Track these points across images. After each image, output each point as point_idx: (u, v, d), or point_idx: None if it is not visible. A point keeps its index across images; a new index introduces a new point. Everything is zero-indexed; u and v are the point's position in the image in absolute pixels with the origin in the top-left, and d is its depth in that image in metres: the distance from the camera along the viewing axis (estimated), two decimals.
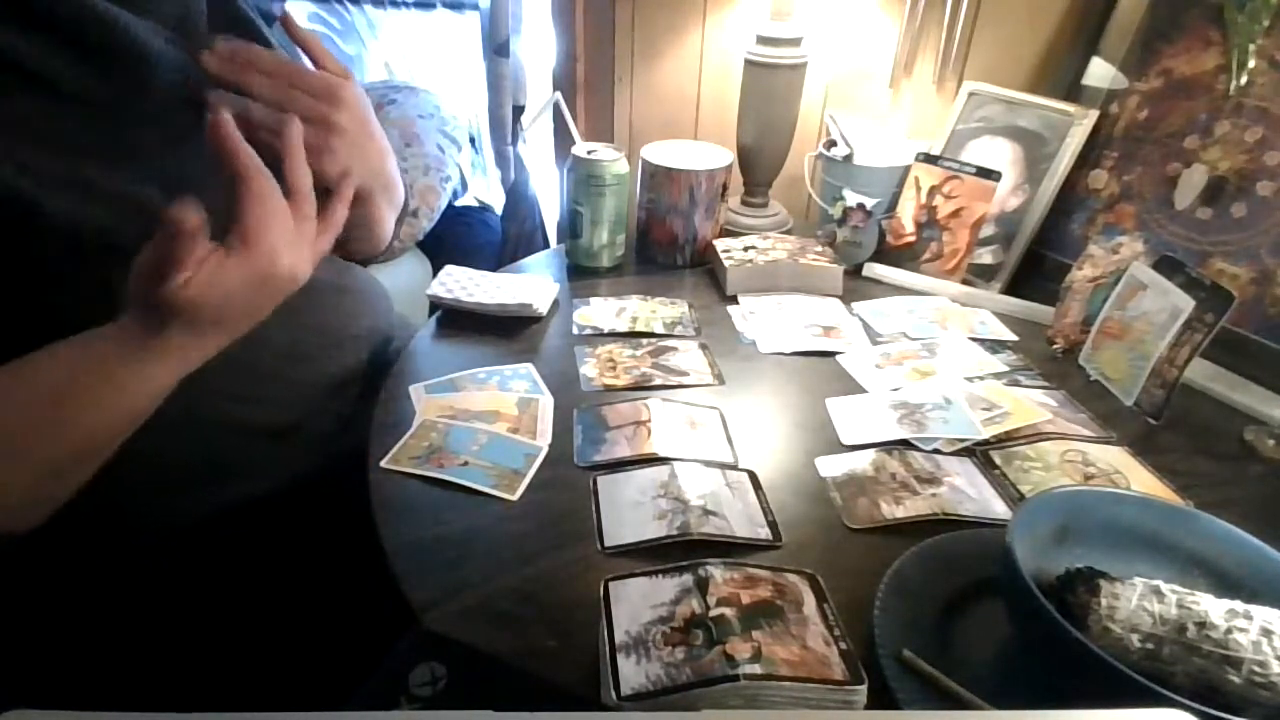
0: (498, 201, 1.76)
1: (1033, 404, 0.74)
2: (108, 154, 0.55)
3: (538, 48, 1.56)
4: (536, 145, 1.66)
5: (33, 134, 0.51)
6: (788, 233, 1.09)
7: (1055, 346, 0.86)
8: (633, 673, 0.45)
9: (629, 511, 0.60)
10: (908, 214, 1.00)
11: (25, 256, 0.52)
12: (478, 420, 0.69)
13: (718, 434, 0.70)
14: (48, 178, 0.51)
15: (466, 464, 0.64)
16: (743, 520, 0.60)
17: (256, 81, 0.57)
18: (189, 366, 0.51)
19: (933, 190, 0.98)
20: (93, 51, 0.53)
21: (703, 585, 0.50)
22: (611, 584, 0.51)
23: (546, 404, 0.73)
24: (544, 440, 0.68)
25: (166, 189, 0.58)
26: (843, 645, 0.47)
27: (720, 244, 0.99)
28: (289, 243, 0.50)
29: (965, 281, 0.98)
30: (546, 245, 1.71)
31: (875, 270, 1.00)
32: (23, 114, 0.52)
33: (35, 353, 0.48)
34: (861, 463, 0.67)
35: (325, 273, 0.73)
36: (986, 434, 0.69)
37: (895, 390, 0.77)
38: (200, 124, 0.63)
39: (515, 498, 0.62)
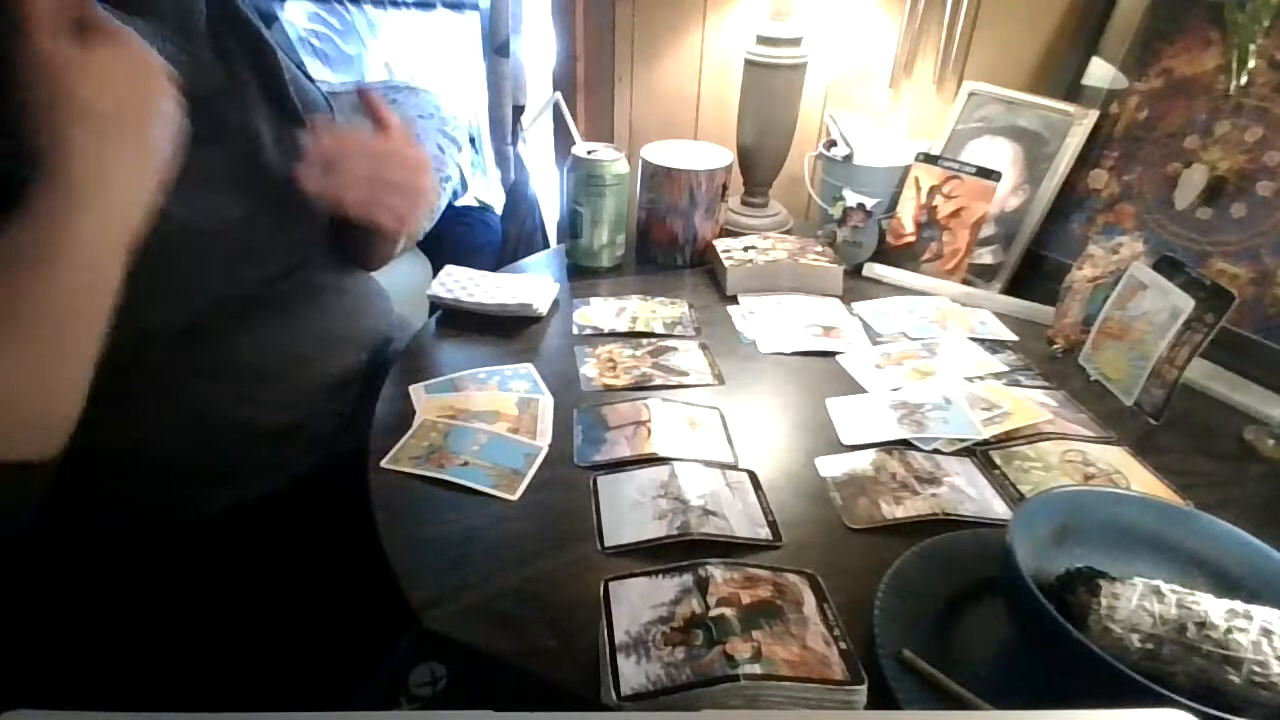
0: (498, 201, 1.76)
1: (1033, 404, 0.74)
2: None
3: (538, 48, 1.56)
4: (536, 145, 1.67)
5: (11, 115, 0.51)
6: (788, 233, 1.09)
7: (1055, 346, 0.86)
8: (633, 673, 0.45)
9: (629, 511, 0.60)
10: (908, 214, 1.00)
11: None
12: (478, 420, 0.69)
13: (718, 434, 0.70)
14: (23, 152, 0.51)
15: (466, 464, 0.64)
16: (743, 520, 0.60)
17: (356, 166, 0.63)
18: (114, 203, 0.47)
19: (933, 190, 0.98)
20: None
21: (703, 585, 0.50)
22: (611, 584, 0.51)
23: (546, 404, 0.73)
24: (544, 440, 0.68)
25: (175, 192, 0.59)
26: (843, 645, 0.47)
27: (720, 244, 0.99)
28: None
29: (965, 281, 0.98)
30: (546, 245, 1.71)
31: (875, 270, 1.00)
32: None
33: None
34: (861, 463, 0.67)
35: (325, 275, 0.74)
36: (986, 434, 0.69)
37: (895, 390, 0.77)
38: (207, 128, 0.63)
39: (515, 498, 0.62)
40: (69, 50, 0.43)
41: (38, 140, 0.44)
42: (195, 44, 0.61)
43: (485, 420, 0.70)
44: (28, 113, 0.43)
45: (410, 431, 0.67)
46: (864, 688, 0.44)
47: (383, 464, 0.64)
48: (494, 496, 0.62)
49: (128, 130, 0.46)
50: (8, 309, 0.43)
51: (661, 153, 0.99)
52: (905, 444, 0.69)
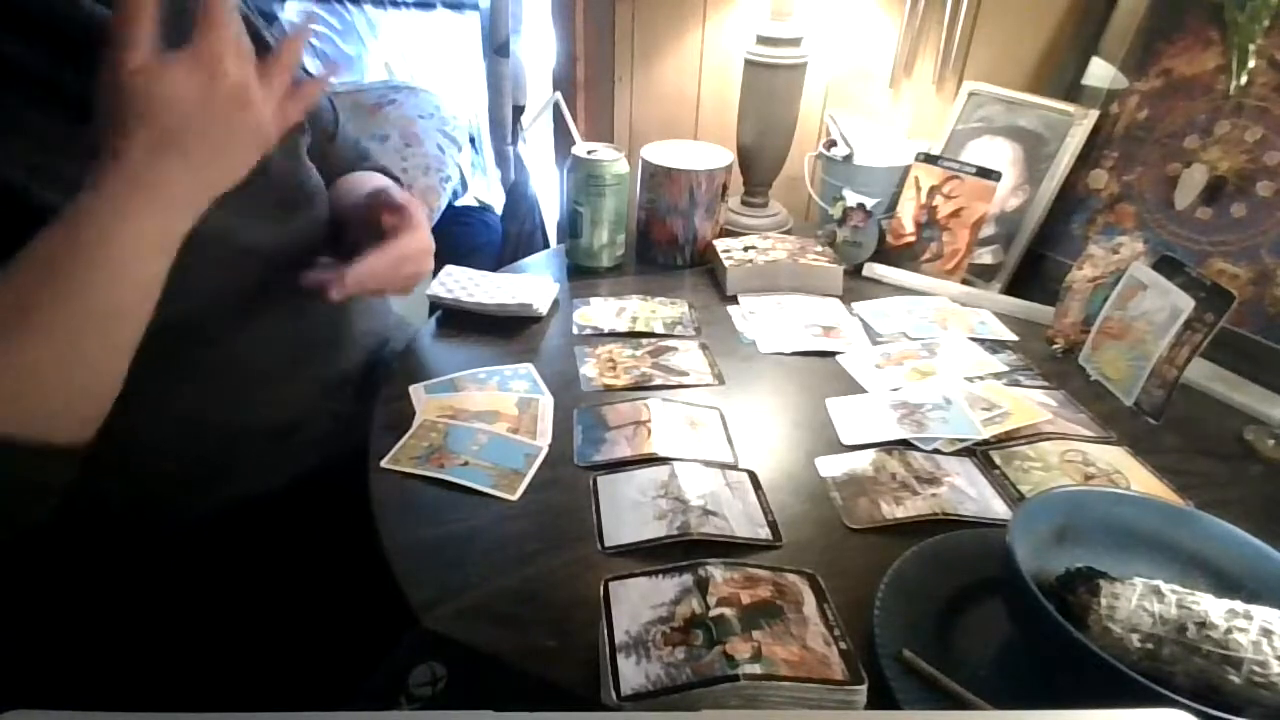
0: (498, 201, 1.76)
1: (1033, 404, 0.74)
2: None
3: (538, 48, 1.56)
4: (536, 145, 1.67)
5: (42, 139, 0.52)
6: (788, 233, 1.09)
7: (1055, 346, 0.86)
8: (633, 673, 0.45)
9: (629, 511, 0.60)
10: (908, 214, 1.00)
11: None
12: (478, 420, 0.69)
13: (718, 434, 0.70)
14: (58, 180, 0.51)
15: (466, 464, 0.64)
16: (743, 520, 0.60)
17: (371, 284, 0.65)
18: (171, 212, 0.49)
19: (933, 190, 0.98)
20: (84, 50, 0.53)
21: (703, 585, 0.50)
22: (611, 584, 0.51)
23: (546, 404, 0.73)
24: (544, 440, 0.68)
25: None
26: (843, 645, 0.47)
27: (720, 244, 0.99)
28: (238, 57, 0.49)
29: (965, 281, 0.98)
30: (546, 245, 1.71)
31: (875, 270, 1.00)
32: (31, 119, 0.52)
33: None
34: (861, 463, 0.67)
35: None
36: (986, 434, 0.69)
37: (895, 390, 0.77)
38: None
39: (515, 498, 0.62)
40: (154, 66, 0.46)
41: (103, 142, 0.46)
42: (184, 40, 0.61)
43: (485, 420, 0.70)
44: (100, 118, 0.46)
45: (410, 431, 0.67)
46: (864, 688, 0.44)
47: (383, 464, 0.64)
48: (494, 496, 0.62)
49: (194, 148, 0.48)
50: (51, 306, 0.45)
51: (661, 153, 0.99)
52: (905, 444, 0.69)
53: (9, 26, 0.51)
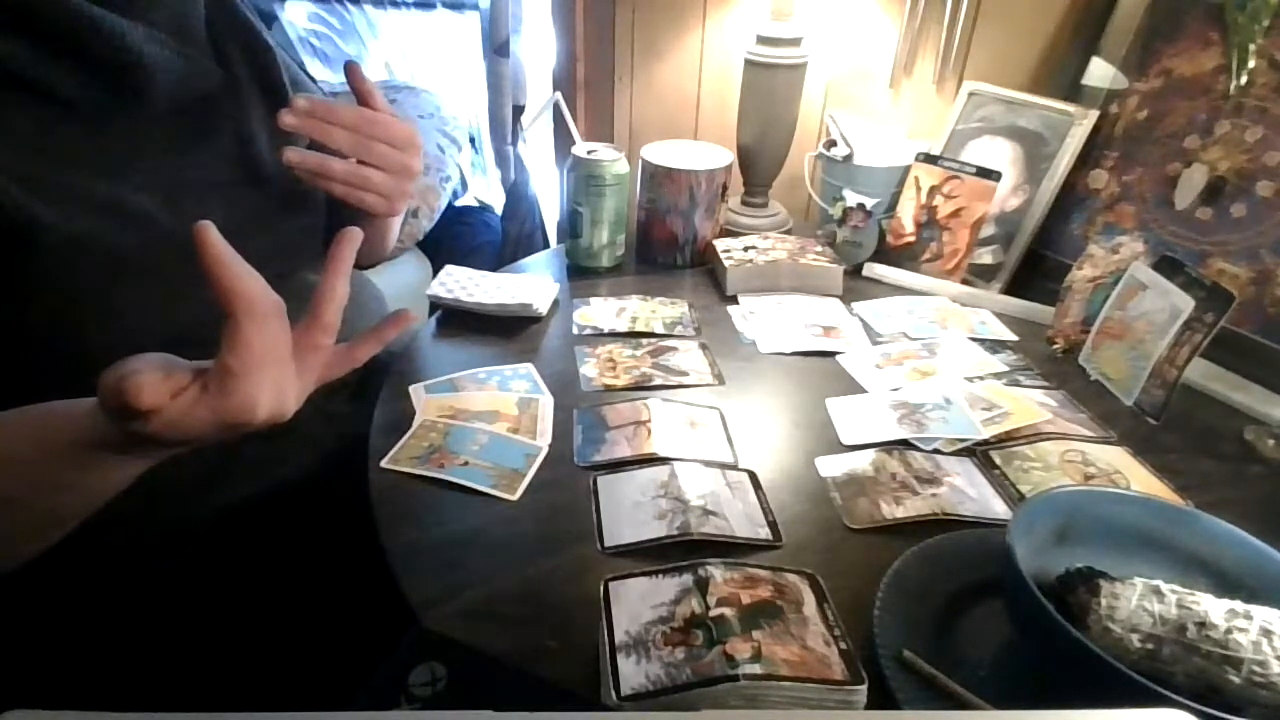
0: (498, 201, 1.76)
1: (1033, 404, 0.74)
2: (106, 163, 0.55)
3: (538, 48, 1.56)
4: (536, 145, 1.67)
5: (30, 143, 0.51)
6: (788, 233, 1.09)
7: (1055, 346, 0.86)
8: (633, 673, 0.45)
9: (629, 511, 0.60)
10: (908, 214, 1.00)
11: (24, 269, 0.52)
12: (478, 420, 0.69)
13: (718, 434, 0.70)
14: (45, 188, 0.51)
15: (467, 464, 0.64)
16: (743, 520, 0.60)
17: (338, 136, 0.58)
18: (161, 458, 0.48)
19: (933, 190, 0.98)
20: (90, 60, 0.53)
21: (703, 585, 0.50)
22: (611, 584, 0.51)
23: (546, 404, 0.73)
24: (544, 440, 0.68)
25: (167, 198, 0.58)
26: (843, 645, 0.47)
27: (720, 244, 0.99)
28: (275, 389, 0.44)
29: (965, 281, 0.98)
30: (546, 245, 1.71)
31: (875, 270, 1.00)
32: (19, 123, 0.51)
33: (6, 414, 0.46)
34: (861, 463, 0.67)
35: (318, 277, 0.74)
36: (986, 434, 0.69)
37: (895, 390, 0.77)
38: (202, 131, 0.63)
39: (515, 498, 0.62)
40: (158, 410, 0.41)
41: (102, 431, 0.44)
42: (193, 47, 0.61)
43: (485, 420, 0.70)
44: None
45: (410, 431, 0.67)
46: (864, 688, 0.44)
47: (383, 464, 0.64)
48: (494, 496, 0.62)
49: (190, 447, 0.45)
50: (29, 479, 0.46)
51: (661, 153, 0.99)
52: (905, 444, 0.69)
53: None
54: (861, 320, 0.91)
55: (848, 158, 1.01)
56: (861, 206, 0.99)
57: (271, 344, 0.43)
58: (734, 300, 0.94)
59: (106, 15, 0.52)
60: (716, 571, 0.51)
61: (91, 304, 0.54)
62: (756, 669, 0.43)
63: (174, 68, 0.57)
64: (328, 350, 0.48)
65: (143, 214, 0.56)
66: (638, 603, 0.50)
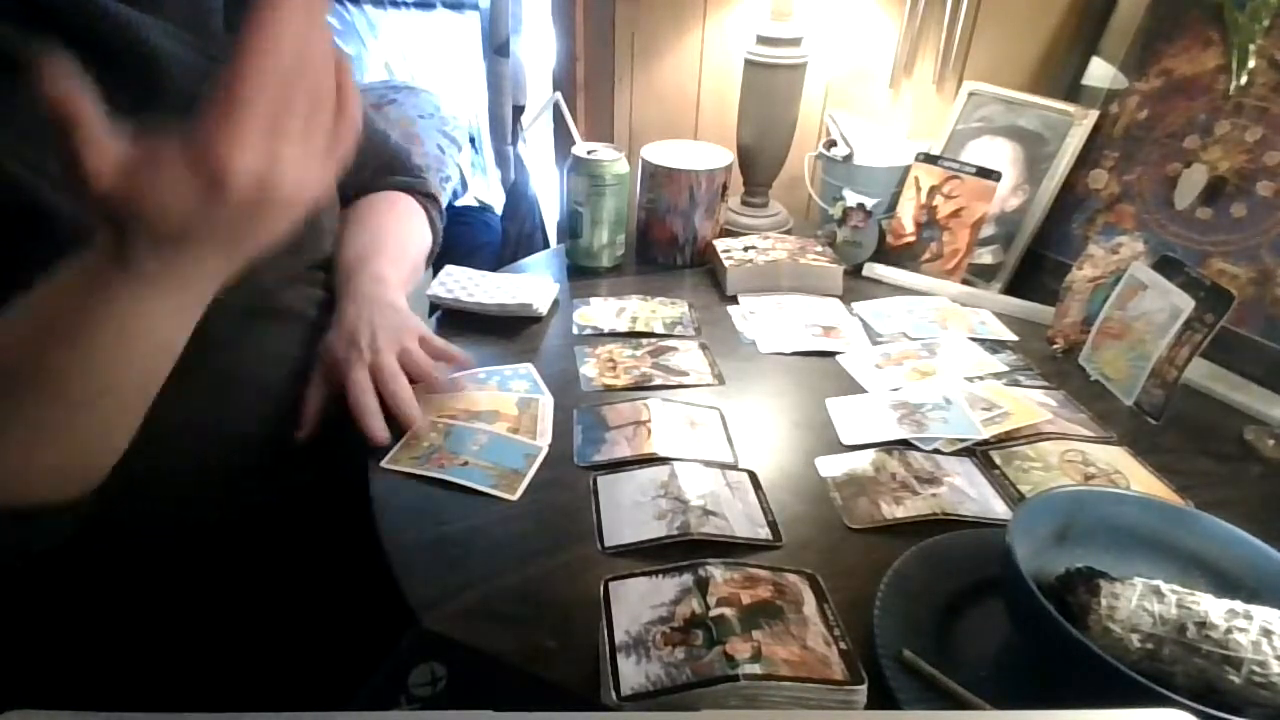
0: (498, 201, 1.76)
1: (1033, 404, 0.74)
2: None
3: (538, 48, 1.56)
4: (536, 145, 1.67)
5: (43, 134, 0.51)
6: (788, 233, 1.09)
7: (1055, 346, 0.86)
8: (633, 673, 0.45)
9: (629, 511, 0.60)
10: (908, 214, 1.00)
11: (35, 258, 0.52)
12: (478, 420, 0.69)
13: (718, 434, 0.70)
14: (54, 175, 0.51)
15: (466, 464, 0.64)
16: (743, 520, 0.60)
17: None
18: (189, 294, 0.44)
19: (933, 190, 0.98)
20: (102, 53, 0.53)
21: (703, 585, 0.50)
22: (611, 584, 0.51)
23: (546, 404, 0.73)
24: (544, 440, 0.68)
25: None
26: (843, 645, 0.47)
27: (720, 244, 0.99)
28: (253, 141, 0.38)
29: (965, 281, 0.98)
30: (546, 245, 1.71)
31: (875, 270, 1.00)
32: (32, 114, 0.51)
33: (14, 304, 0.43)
34: (861, 463, 0.67)
35: (321, 284, 0.74)
36: (986, 434, 0.69)
37: (895, 390, 0.77)
38: None
39: (515, 498, 0.62)
40: (132, 179, 0.38)
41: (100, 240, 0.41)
42: (209, 43, 0.61)
43: (485, 420, 0.70)
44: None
45: (410, 431, 0.67)
46: (864, 688, 0.44)
47: (383, 464, 0.64)
48: (494, 496, 0.62)
49: (211, 238, 0.41)
50: (67, 370, 0.43)
51: (661, 153, 0.99)
52: (905, 444, 0.69)
53: (5, 14, 0.49)
54: (861, 320, 0.91)
55: (848, 158, 1.01)
56: (861, 206, 0.99)
57: (256, 88, 0.37)
58: (734, 300, 0.94)
59: (121, 9, 0.52)
60: (716, 571, 0.51)
61: None
62: (756, 669, 0.43)
63: (188, 62, 0.57)
64: (325, 116, 0.41)
65: None
66: (638, 603, 0.50)
